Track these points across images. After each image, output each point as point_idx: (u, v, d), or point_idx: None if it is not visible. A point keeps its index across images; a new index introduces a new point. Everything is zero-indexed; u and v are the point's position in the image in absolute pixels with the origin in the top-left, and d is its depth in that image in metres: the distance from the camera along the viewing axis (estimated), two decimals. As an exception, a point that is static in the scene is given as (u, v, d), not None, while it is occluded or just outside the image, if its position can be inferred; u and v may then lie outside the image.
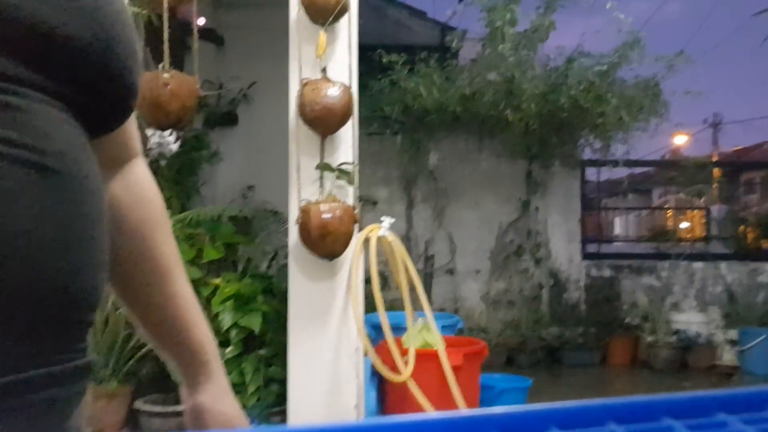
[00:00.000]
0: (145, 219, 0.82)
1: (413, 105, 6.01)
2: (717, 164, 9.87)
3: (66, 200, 0.58)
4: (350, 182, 2.81)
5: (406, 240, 6.68)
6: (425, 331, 2.93)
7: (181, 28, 4.17)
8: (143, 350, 3.88)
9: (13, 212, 0.53)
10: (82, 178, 0.60)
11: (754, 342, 5.92)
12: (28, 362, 0.54)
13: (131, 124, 0.80)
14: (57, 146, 0.58)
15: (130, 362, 3.86)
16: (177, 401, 3.94)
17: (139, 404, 3.71)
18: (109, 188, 0.77)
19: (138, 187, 0.83)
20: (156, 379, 3.91)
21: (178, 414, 3.57)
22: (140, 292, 0.83)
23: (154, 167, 3.93)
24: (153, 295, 0.83)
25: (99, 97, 0.63)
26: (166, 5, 2.51)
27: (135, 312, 0.84)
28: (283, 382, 3.19)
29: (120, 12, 0.65)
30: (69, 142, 0.60)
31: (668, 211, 9.39)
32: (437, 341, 2.84)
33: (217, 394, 0.86)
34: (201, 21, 4.48)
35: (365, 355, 2.84)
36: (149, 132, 3.38)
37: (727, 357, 6.15)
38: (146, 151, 3.64)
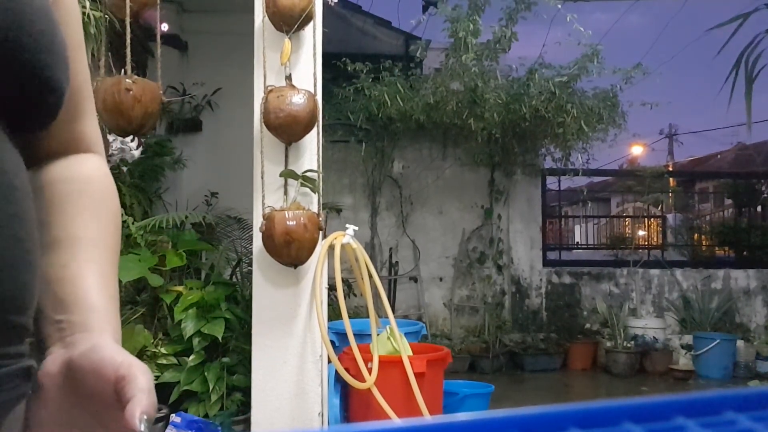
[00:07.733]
0: (70, 192, 0.71)
1: (378, 113, 6.04)
2: (672, 174, 10.13)
3: None
4: (314, 189, 2.80)
5: (371, 247, 6.69)
6: (392, 338, 2.94)
7: (145, 34, 4.13)
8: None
9: None
10: (5, 175, 0.58)
11: (708, 347, 6.09)
12: None
13: (84, 123, 0.76)
14: None
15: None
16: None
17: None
18: (45, 169, 0.72)
19: (79, 167, 0.74)
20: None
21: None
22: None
23: (116, 173, 3.86)
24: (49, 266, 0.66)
25: (10, 91, 0.60)
26: (128, 10, 2.48)
27: None
28: (246, 390, 3.16)
29: (31, 5, 0.60)
30: None
31: (626, 219, 9.59)
32: (404, 348, 2.85)
33: (102, 341, 0.62)
34: (164, 27, 4.44)
35: (329, 362, 2.83)
36: (111, 137, 3.33)
37: (683, 361, 6.30)
38: (108, 157, 3.58)
